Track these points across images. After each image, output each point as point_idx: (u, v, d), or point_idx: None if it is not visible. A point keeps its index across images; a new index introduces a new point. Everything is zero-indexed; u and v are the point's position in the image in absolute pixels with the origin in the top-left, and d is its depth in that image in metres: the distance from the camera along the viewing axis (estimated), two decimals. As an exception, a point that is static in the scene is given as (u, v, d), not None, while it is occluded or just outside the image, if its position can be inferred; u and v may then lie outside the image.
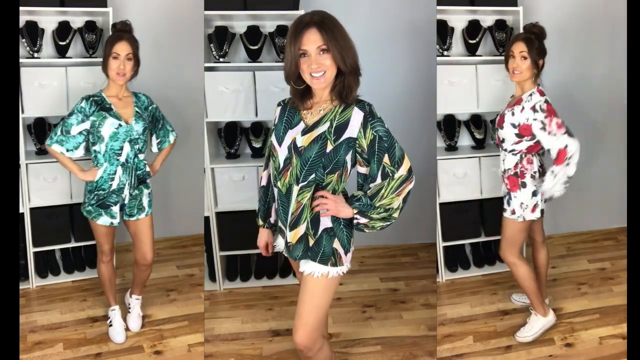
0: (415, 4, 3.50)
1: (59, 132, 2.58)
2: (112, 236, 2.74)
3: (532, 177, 2.64)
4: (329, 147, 1.89)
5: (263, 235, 2.23)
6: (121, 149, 2.57)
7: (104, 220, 2.63)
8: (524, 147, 2.62)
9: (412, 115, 3.66)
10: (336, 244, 1.96)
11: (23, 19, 3.19)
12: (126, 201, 2.64)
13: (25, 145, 3.26)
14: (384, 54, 3.52)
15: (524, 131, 2.58)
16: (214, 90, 3.14)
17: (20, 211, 3.17)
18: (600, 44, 3.74)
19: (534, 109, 2.55)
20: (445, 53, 3.34)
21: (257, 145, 3.35)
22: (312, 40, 1.83)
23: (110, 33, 2.62)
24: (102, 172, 2.58)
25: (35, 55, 3.18)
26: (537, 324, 2.81)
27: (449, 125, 3.49)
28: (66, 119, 2.58)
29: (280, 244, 2.17)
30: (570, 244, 3.86)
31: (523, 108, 2.57)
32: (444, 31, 3.33)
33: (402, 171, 1.91)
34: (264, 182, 2.17)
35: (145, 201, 2.70)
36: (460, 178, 3.38)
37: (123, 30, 2.59)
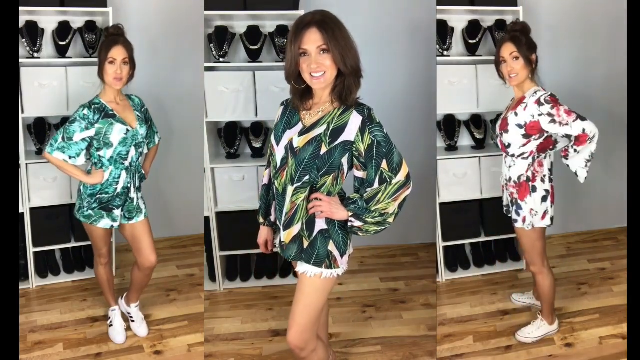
0: (415, 4, 3.50)
1: (59, 140, 2.49)
2: (109, 239, 2.75)
3: (542, 180, 2.55)
4: (323, 150, 1.88)
5: (263, 233, 2.23)
6: (127, 153, 2.57)
7: (104, 224, 2.61)
8: (534, 147, 2.52)
9: (412, 115, 3.66)
10: (331, 246, 1.96)
11: (23, 19, 3.19)
12: (135, 202, 2.65)
13: (25, 145, 3.26)
14: (384, 54, 3.52)
15: (531, 130, 2.48)
16: (214, 90, 3.14)
17: (20, 211, 3.17)
18: (600, 44, 3.74)
19: (538, 102, 2.44)
20: (445, 53, 3.34)
21: (257, 145, 3.35)
22: (312, 39, 1.83)
23: (103, 38, 2.58)
24: (108, 175, 2.56)
25: (35, 55, 3.18)
26: (542, 329, 2.79)
27: (449, 125, 3.49)
28: (67, 126, 2.49)
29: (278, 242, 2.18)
30: (570, 244, 3.86)
31: (526, 106, 2.47)
32: (444, 31, 3.34)
33: (400, 177, 1.90)
34: (265, 181, 2.18)
35: (141, 203, 2.70)
36: (460, 178, 3.38)
37: (117, 34, 2.55)
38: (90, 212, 2.60)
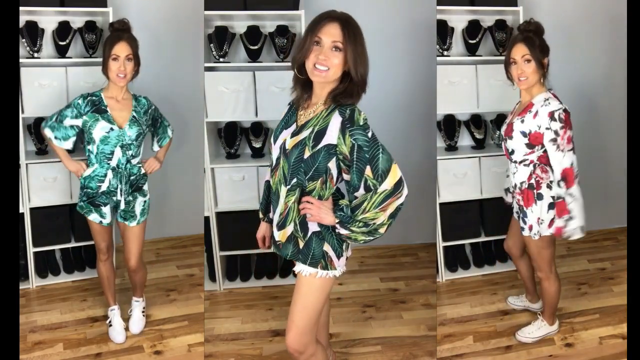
0: (415, 4, 3.50)
1: (53, 119, 2.62)
2: (107, 235, 2.73)
3: (549, 187, 2.44)
4: (307, 154, 1.84)
5: (262, 228, 2.24)
6: (112, 153, 2.55)
7: (93, 217, 2.64)
8: (536, 157, 2.44)
9: (412, 115, 3.66)
10: (326, 247, 1.93)
11: (23, 19, 3.18)
12: (122, 206, 2.63)
13: (25, 145, 3.26)
14: (384, 54, 3.52)
15: (534, 140, 2.40)
16: (214, 90, 3.14)
17: (20, 211, 3.17)
18: (600, 44, 3.74)
19: (552, 116, 2.33)
20: (445, 53, 3.34)
21: (257, 145, 3.35)
22: (330, 33, 1.82)
23: (108, 33, 2.59)
24: (91, 171, 2.58)
25: (35, 55, 3.18)
26: (542, 330, 2.79)
27: (449, 125, 3.49)
28: (63, 109, 2.61)
29: None
30: (570, 244, 3.85)
31: (537, 113, 2.37)
32: (444, 31, 3.33)
33: (387, 185, 1.79)
34: (268, 177, 2.16)
35: (137, 209, 2.67)
36: (460, 178, 3.38)
37: (121, 30, 2.54)
38: (82, 203, 2.65)
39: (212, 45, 3.23)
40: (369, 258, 3.75)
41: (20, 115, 3.11)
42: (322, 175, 1.88)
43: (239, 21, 3.33)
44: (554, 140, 2.36)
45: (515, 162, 2.50)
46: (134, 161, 2.62)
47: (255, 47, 3.25)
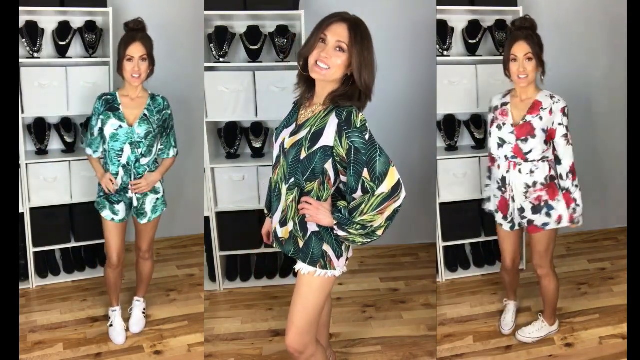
0: (415, 4, 3.49)
1: (89, 136, 2.67)
2: (117, 237, 2.67)
3: (562, 178, 2.53)
4: (303, 154, 1.84)
5: (267, 224, 2.25)
6: (122, 150, 2.57)
7: (106, 214, 2.64)
8: (551, 152, 2.51)
9: (412, 115, 3.66)
10: (326, 247, 1.93)
11: (23, 19, 3.18)
12: (135, 203, 2.65)
13: (25, 145, 3.26)
14: (383, 54, 3.51)
15: (549, 137, 2.46)
16: (214, 90, 3.14)
17: (20, 211, 3.17)
18: (600, 44, 3.74)
19: (563, 112, 2.42)
20: (445, 53, 3.34)
21: (257, 145, 3.35)
22: (337, 32, 1.82)
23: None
24: (114, 179, 2.62)
25: (35, 55, 3.18)
26: (543, 330, 2.79)
27: (449, 125, 3.49)
28: (90, 120, 2.65)
29: None
30: (570, 244, 3.86)
31: (551, 110, 2.42)
32: (444, 31, 3.33)
33: (384, 188, 1.78)
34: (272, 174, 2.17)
35: (148, 207, 2.68)
36: (460, 178, 3.38)
37: (136, 30, 2.56)
38: (99, 199, 2.66)
39: (212, 45, 3.23)
40: (369, 258, 3.75)
41: (20, 115, 3.10)
42: (319, 176, 1.87)
43: (239, 21, 3.33)
44: (565, 136, 2.46)
45: (534, 160, 2.49)
46: (143, 161, 2.62)
47: (255, 47, 3.25)
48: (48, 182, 3.24)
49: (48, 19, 3.27)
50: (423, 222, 3.76)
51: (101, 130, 2.60)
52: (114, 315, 2.85)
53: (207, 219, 3.29)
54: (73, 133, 3.33)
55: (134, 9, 3.45)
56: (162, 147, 2.75)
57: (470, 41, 3.38)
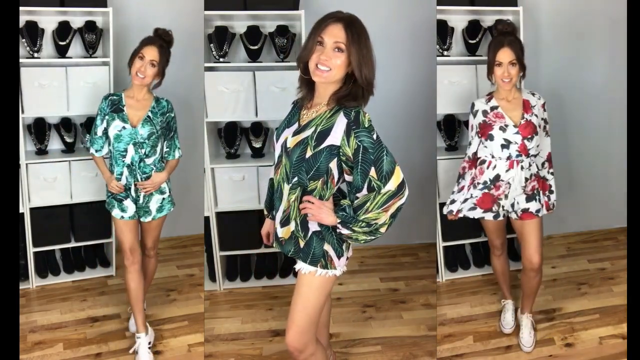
0: (415, 4, 3.49)
1: (92, 134, 2.67)
2: (129, 233, 2.64)
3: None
4: (308, 153, 1.85)
5: (266, 225, 2.25)
6: (125, 150, 2.58)
7: (115, 213, 2.65)
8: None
9: (412, 115, 3.66)
10: (327, 247, 1.94)
11: (23, 19, 3.18)
12: (140, 200, 2.65)
13: (25, 145, 3.26)
14: (383, 54, 3.51)
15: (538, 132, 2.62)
16: (214, 90, 3.14)
17: (20, 211, 3.17)
18: (600, 44, 3.74)
19: (544, 107, 2.60)
20: (445, 53, 3.34)
21: (257, 145, 3.35)
22: (333, 33, 1.82)
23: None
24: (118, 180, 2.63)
25: (35, 55, 3.18)
26: (530, 327, 2.77)
27: (449, 125, 3.49)
28: (95, 119, 2.66)
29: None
30: (570, 244, 3.86)
31: (537, 107, 2.58)
32: (444, 31, 3.33)
33: (391, 186, 1.81)
34: (272, 174, 2.16)
35: (153, 206, 2.69)
36: (460, 178, 3.38)
37: (159, 37, 2.61)
38: (108, 199, 2.68)
39: (212, 45, 3.23)
40: (369, 258, 3.75)
41: (20, 115, 3.10)
42: (323, 175, 1.88)
43: (239, 21, 3.33)
44: (545, 128, 2.65)
45: (532, 155, 2.59)
46: (148, 160, 2.63)
47: (255, 47, 3.25)
48: (48, 182, 3.24)
49: (48, 19, 3.27)
50: (423, 222, 3.76)
51: (106, 130, 2.61)
52: (139, 342, 2.65)
53: (207, 219, 3.29)
54: (73, 133, 3.33)
55: (134, 9, 3.45)
56: (167, 149, 2.75)
57: (470, 41, 3.38)
